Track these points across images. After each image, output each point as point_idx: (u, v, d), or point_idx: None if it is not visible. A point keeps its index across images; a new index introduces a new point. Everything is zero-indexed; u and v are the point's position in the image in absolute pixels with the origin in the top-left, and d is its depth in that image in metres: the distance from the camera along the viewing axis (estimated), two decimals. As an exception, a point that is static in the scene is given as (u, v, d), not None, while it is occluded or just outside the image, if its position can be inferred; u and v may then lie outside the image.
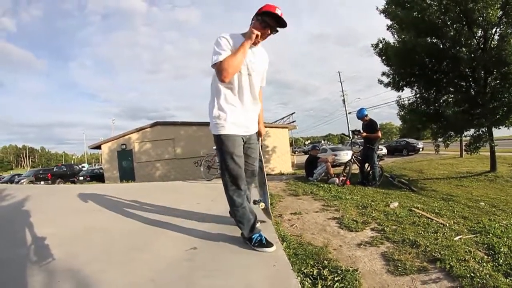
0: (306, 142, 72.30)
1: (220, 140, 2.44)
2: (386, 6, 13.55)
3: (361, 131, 7.93)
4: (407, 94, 23.11)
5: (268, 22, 2.37)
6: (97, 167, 43.04)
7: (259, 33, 2.32)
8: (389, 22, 13.91)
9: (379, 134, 7.76)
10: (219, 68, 2.27)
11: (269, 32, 2.41)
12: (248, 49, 2.36)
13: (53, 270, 2.29)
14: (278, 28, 2.44)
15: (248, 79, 2.48)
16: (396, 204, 4.39)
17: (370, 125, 7.83)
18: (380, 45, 14.33)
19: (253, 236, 2.47)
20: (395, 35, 13.88)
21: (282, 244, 2.58)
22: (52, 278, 2.16)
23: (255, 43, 2.42)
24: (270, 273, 2.09)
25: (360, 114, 8.08)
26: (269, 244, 2.42)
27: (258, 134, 2.80)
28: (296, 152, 44.83)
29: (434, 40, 12.72)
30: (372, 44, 14.64)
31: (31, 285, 2.07)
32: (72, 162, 72.41)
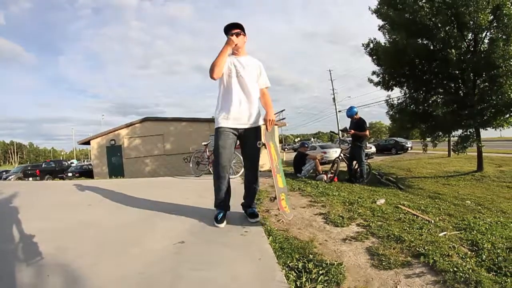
0: (296, 140, 72.49)
1: (215, 133, 3.04)
2: (378, 7, 13.68)
3: (348, 129, 8.00)
4: (397, 93, 23.26)
5: (228, 33, 3.02)
6: (86, 163, 42.58)
7: (231, 38, 2.94)
8: (381, 22, 14.09)
9: (367, 133, 7.85)
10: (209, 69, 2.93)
11: (232, 38, 2.95)
12: (227, 53, 2.96)
13: (42, 265, 2.29)
14: (235, 31, 3.02)
15: (238, 80, 3.02)
16: (382, 201, 4.42)
17: (359, 124, 7.90)
18: (371, 45, 14.48)
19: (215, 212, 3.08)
20: (387, 36, 14.05)
21: (268, 238, 2.60)
22: (41, 272, 2.16)
23: (237, 51, 3.12)
24: (255, 266, 2.12)
25: (350, 113, 8.15)
26: (219, 221, 2.98)
27: (266, 123, 3.14)
28: (286, 149, 44.99)
29: (425, 42, 12.94)
30: (363, 44, 14.80)
31: (20, 280, 2.07)
32: (61, 158, 71.59)
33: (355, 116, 8.07)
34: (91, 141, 22.40)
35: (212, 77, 2.92)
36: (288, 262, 2.15)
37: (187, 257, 2.30)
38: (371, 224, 3.08)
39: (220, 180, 3.00)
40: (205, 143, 8.16)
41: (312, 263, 2.11)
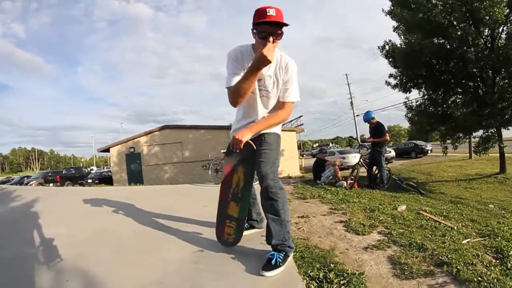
0: (314, 145, 71.92)
1: None
2: (391, 8, 13.50)
3: (366, 139, 7.93)
4: (415, 95, 22.88)
5: (266, 30, 2.06)
6: (106, 170, 43.28)
7: (267, 55, 1.97)
8: (395, 23, 13.88)
9: (387, 137, 7.70)
10: (228, 94, 2.22)
11: (271, 40, 2.04)
12: (258, 75, 2.18)
13: (61, 270, 2.34)
14: (278, 32, 2.08)
15: (260, 97, 2.37)
16: (403, 207, 4.38)
17: (377, 128, 7.79)
18: (387, 47, 14.28)
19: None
20: (402, 37, 13.85)
21: None
22: (60, 277, 2.20)
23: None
24: (276, 276, 2.10)
25: (367, 117, 8.06)
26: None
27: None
28: (304, 155, 44.66)
29: (441, 41, 12.67)
30: (378, 46, 14.61)
31: (40, 283, 2.12)
32: (81, 165, 72.95)
33: (372, 121, 7.94)
34: (110, 149, 22.83)
35: (233, 105, 2.29)
36: (309, 271, 2.16)
37: (206, 267, 2.28)
38: (392, 231, 3.06)
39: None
40: (224, 150, 8.17)
41: (333, 272, 2.11)
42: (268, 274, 2.10)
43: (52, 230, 3.41)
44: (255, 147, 2.31)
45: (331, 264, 2.26)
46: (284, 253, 2.25)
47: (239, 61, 2.22)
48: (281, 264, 2.18)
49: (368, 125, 8.04)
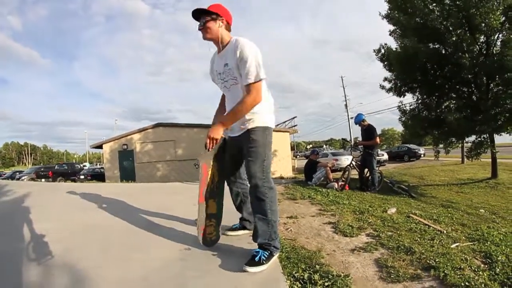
0: (308, 147, 72.01)
1: None
2: (388, 12, 13.54)
3: (357, 142, 7.96)
4: (409, 99, 22.99)
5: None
6: (98, 166, 43.11)
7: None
8: (391, 27, 13.91)
9: (377, 140, 7.72)
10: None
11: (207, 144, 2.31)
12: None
13: (49, 265, 2.35)
14: (199, 23, 2.33)
15: (227, 91, 2.46)
16: (394, 210, 4.35)
17: (368, 131, 7.81)
18: (382, 51, 14.32)
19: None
20: (398, 41, 13.88)
21: None
22: (48, 272, 2.22)
23: (216, 45, 2.41)
24: (260, 275, 2.09)
25: (357, 119, 8.07)
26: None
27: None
28: (297, 156, 44.72)
29: (436, 46, 12.72)
30: (374, 50, 14.64)
31: (27, 278, 2.13)
32: (74, 161, 72.51)
33: (362, 123, 7.94)
34: (103, 145, 22.72)
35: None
36: (293, 272, 2.12)
37: (192, 264, 2.28)
38: (381, 234, 3.02)
39: (230, 191, 2.73)
40: None
41: (318, 274, 2.07)
42: (251, 269, 2.11)
43: (41, 225, 3.40)
44: (225, 137, 2.43)
45: (316, 266, 2.21)
46: (269, 252, 2.24)
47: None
48: (264, 262, 2.17)
49: (360, 128, 8.04)
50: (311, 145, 75.60)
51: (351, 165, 7.91)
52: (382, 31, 15.30)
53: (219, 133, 2.26)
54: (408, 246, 2.61)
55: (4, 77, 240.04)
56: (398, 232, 3.14)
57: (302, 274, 2.09)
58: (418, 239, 2.92)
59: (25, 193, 5.70)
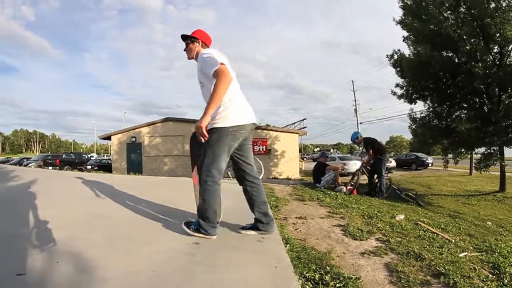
0: (315, 149, 71.66)
1: None
2: (402, 17, 13.47)
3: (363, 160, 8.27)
4: (420, 107, 22.87)
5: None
6: (106, 157, 43.42)
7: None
8: (405, 33, 13.84)
9: (371, 153, 7.90)
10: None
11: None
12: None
13: (53, 251, 2.35)
14: (185, 43, 3.01)
15: (201, 91, 2.88)
16: (402, 216, 4.36)
17: (365, 145, 8.06)
18: (395, 56, 14.29)
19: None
20: (411, 47, 13.82)
21: (286, 246, 2.58)
22: (51, 258, 2.21)
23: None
24: (271, 273, 2.08)
25: (352, 138, 8.56)
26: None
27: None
28: (305, 159, 44.52)
29: (450, 54, 12.64)
30: (387, 55, 14.61)
31: (31, 263, 2.13)
32: (82, 151, 73.05)
33: (358, 140, 8.31)
34: (112, 137, 22.95)
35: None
36: (304, 272, 2.14)
37: (200, 259, 2.28)
38: (390, 239, 3.05)
39: None
40: None
41: (329, 275, 2.10)
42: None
43: (46, 211, 3.44)
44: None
45: (327, 267, 2.24)
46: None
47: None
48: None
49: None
50: (318, 148, 75.29)
51: (361, 170, 7.97)
52: (394, 36, 15.29)
53: (203, 122, 2.55)
54: (417, 252, 2.63)
55: (15, 66, 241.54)
56: (407, 238, 3.17)
57: (313, 274, 2.11)
58: (427, 246, 2.94)
59: (31, 179, 5.82)
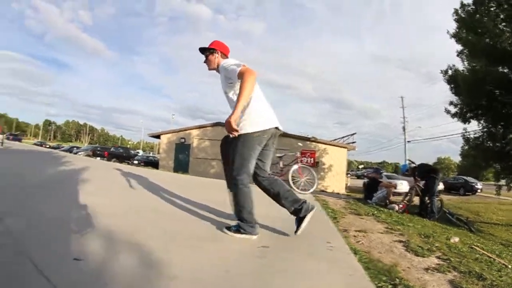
0: (360, 166, 69.36)
1: None
2: (457, 31, 13.06)
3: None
4: (474, 127, 21.90)
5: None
6: (151, 155, 44.98)
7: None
8: (459, 47, 13.37)
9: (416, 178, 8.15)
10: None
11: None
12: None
13: (110, 240, 2.39)
14: (204, 56, 3.22)
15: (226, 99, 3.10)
16: (457, 239, 4.45)
17: (418, 171, 8.21)
18: (450, 72, 13.82)
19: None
20: (465, 62, 13.31)
21: (356, 256, 2.80)
22: (109, 247, 2.25)
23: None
24: (346, 281, 2.20)
25: (403, 171, 9.11)
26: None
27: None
28: (349, 175, 43.19)
29: (505, 70, 12.09)
30: (441, 70, 14.14)
31: (87, 249, 2.15)
32: (128, 147, 76.01)
33: (407, 173, 8.65)
34: (161, 136, 24.03)
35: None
36: (376, 282, 2.26)
37: (271, 263, 2.36)
38: (450, 258, 3.18)
39: None
40: (280, 155, 8.51)
41: (400, 286, 2.25)
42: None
43: (98, 199, 3.57)
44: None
45: (396, 279, 2.37)
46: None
47: None
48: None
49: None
50: (362, 165, 73.26)
51: (414, 189, 7.99)
52: (446, 51, 14.82)
53: (233, 118, 2.67)
54: (479, 272, 2.77)
55: (72, 64, 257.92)
56: (466, 259, 3.28)
57: (385, 284, 2.24)
58: (486, 269, 3.06)
59: (82, 166, 6.16)
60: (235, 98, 2.83)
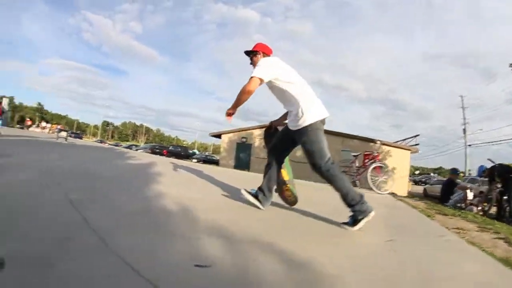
0: (416, 172, 65.89)
1: None
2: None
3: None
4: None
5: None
6: (206, 154, 46.18)
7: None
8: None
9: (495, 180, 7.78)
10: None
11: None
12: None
13: (223, 237, 2.22)
14: (249, 57, 3.47)
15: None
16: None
17: (498, 172, 7.87)
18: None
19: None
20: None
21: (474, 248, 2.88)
22: (228, 248, 2.05)
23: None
24: (485, 268, 2.29)
25: (479, 173, 8.95)
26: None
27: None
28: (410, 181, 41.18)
29: None
30: (511, 64, 13.49)
31: (208, 252, 1.92)
32: (186, 146, 78.74)
33: (484, 174, 8.21)
34: (222, 135, 24.78)
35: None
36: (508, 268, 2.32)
37: (405, 256, 2.37)
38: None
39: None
40: (355, 154, 8.61)
41: None
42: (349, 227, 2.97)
43: (187, 193, 3.66)
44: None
45: None
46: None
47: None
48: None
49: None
50: (418, 171, 69.94)
51: (495, 192, 7.74)
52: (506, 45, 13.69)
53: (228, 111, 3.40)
54: None
55: (127, 70, 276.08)
56: None
57: None
58: None
59: (150, 161, 6.34)
60: (278, 92, 3.31)
